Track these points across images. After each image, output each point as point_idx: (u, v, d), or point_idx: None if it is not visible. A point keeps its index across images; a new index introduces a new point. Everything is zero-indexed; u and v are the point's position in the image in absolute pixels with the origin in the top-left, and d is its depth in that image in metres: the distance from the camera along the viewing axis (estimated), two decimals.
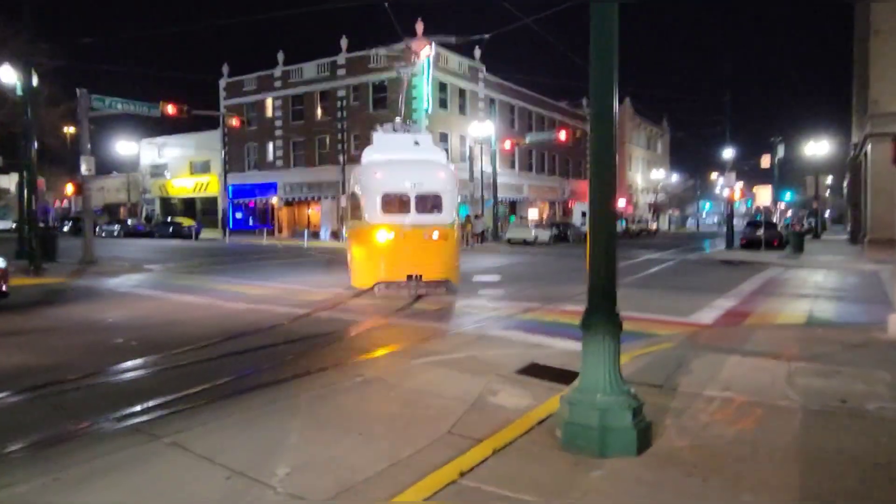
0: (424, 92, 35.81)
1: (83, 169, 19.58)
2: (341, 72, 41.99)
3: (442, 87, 40.50)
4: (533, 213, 44.21)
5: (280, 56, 45.13)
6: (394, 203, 12.64)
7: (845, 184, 49.59)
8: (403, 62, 29.62)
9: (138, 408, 5.31)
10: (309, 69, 43.83)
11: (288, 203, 45.95)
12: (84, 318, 10.44)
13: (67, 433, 4.75)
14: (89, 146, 19.95)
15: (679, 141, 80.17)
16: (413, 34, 34.44)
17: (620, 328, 4.38)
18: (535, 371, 6.43)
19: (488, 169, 38.75)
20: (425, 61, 34.45)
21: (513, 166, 48.22)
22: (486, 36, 19.29)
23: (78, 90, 19.68)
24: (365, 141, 37.77)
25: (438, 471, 3.95)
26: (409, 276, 12.42)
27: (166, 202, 54.83)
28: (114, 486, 3.86)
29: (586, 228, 4.77)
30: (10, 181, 25.22)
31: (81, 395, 5.94)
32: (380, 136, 14.25)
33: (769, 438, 4.47)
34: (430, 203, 12.83)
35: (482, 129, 39.36)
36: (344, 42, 41.57)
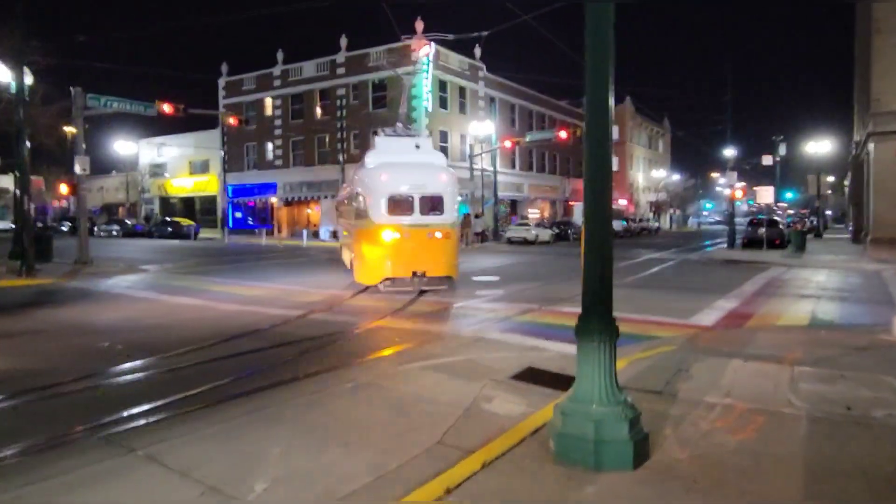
0: (424, 91, 35.72)
1: (77, 168, 19.41)
2: (341, 70, 41.76)
3: (442, 85, 40.26)
4: (533, 213, 44.03)
5: (279, 55, 44.91)
6: (398, 205, 13.27)
7: (847, 182, 49.40)
8: (403, 61, 29.49)
9: (116, 417, 5.12)
10: (308, 68, 43.60)
11: (287, 202, 45.76)
12: (72, 321, 10.25)
13: (39, 445, 4.54)
14: (84, 146, 19.73)
15: (680, 140, 79.79)
16: (413, 33, 34.20)
17: (617, 334, 4.17)
18: (532, 376, 6.33)
19: (489, 168, 38.57)
20: (425, 60, 34.35)
21: (513, 165, 48.01)
22: (486, 33, 19.24)
23: (72, 89, 19.47)
24: (365, 140, 37.76)
25: (424, 486, 3.76)
26: (414, 273, 13.06)
27: (165, 202, 54.66)
28: None
29: None
30: (10, 181, 25.08)
31: (59, 402, 5.75)
32: (382, 140, 14.83)
33: (772, 449, 4.30)
34: (432, 204, 13.48)
35: (482, 127, 39.20)
36: (343, 41, 41.36)
